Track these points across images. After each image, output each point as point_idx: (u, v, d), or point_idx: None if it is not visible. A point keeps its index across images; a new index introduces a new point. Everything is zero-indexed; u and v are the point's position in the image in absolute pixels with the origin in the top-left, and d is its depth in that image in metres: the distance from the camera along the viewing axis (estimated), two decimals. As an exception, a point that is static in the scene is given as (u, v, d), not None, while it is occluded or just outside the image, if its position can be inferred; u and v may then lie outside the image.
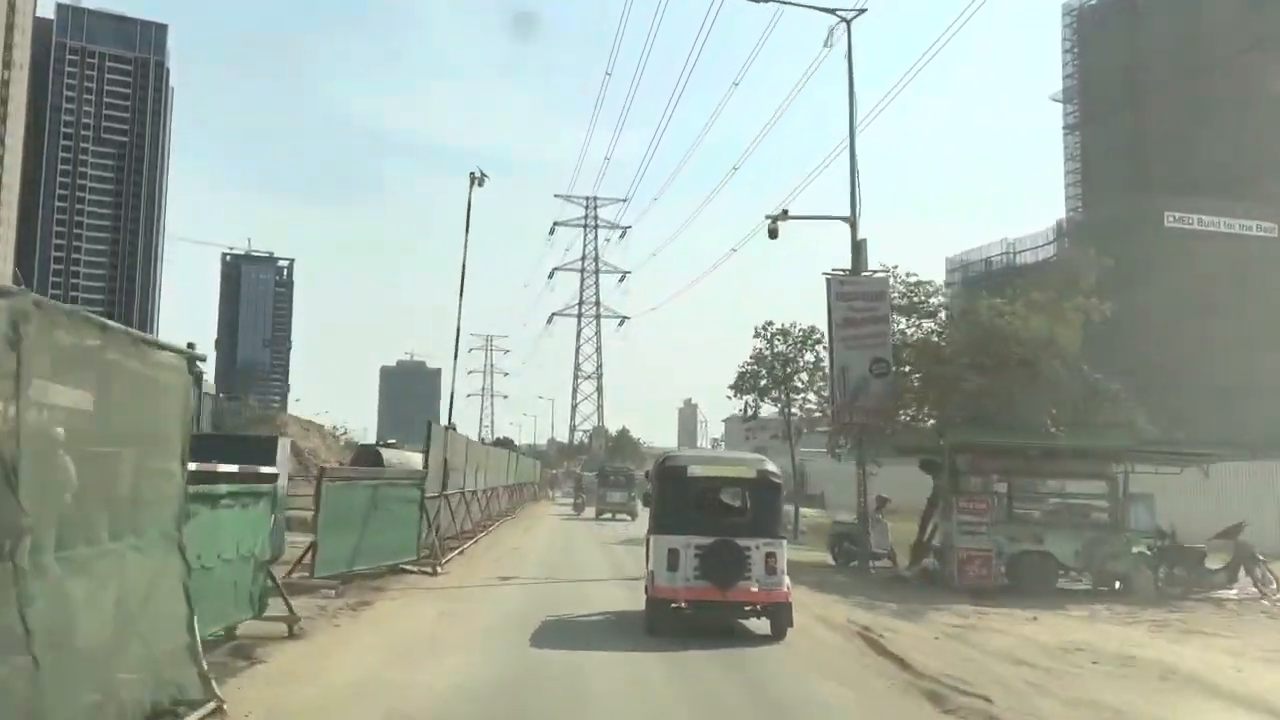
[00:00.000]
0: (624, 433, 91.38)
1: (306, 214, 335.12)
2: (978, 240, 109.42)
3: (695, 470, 11.32)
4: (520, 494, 41.46)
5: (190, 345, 6.68)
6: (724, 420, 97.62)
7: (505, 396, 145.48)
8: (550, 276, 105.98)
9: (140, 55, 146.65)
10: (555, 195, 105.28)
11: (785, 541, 11.05)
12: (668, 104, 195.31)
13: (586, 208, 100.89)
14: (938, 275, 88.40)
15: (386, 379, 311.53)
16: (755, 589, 10.39)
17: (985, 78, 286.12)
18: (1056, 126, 78.81)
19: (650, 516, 11.62)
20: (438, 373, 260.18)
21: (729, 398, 31.74)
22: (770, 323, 31.02)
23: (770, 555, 10.50)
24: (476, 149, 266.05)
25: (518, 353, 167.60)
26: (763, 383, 31.45)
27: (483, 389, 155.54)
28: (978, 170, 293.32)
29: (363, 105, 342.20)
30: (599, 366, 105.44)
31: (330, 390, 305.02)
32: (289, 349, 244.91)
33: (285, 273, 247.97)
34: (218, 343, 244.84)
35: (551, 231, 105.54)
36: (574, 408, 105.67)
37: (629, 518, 34.56)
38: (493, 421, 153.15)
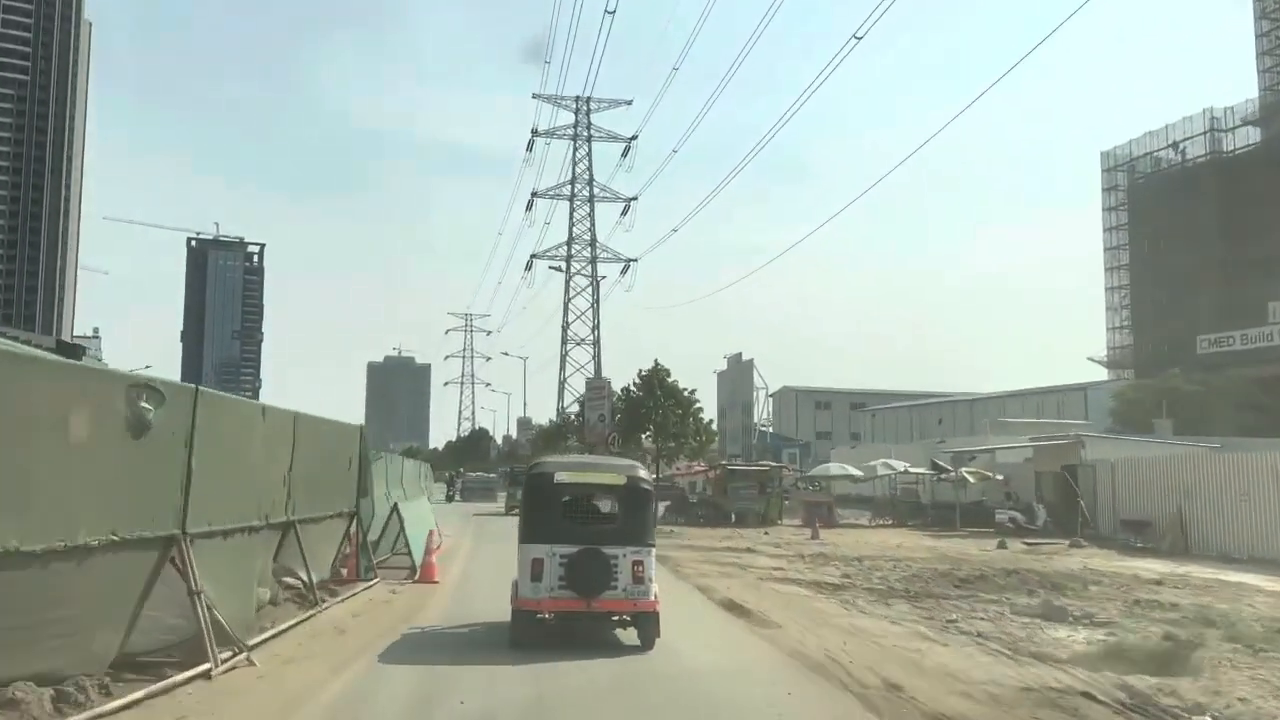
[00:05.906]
0: (657, 371, 47.64)
1: (294, 208, 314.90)
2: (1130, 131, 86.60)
3: (562, 477, 10.61)
4: (328, 556, 13.72)
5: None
6: (770, 396, 73.72)
7: (488, 384, 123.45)
8: (529, 208, 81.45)
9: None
10: (534, 95, 78.82)
11: (654, 549, 10.42)
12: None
13: (576, 112, 74.84)
14: (1090, 175, 65.62)
15: (374, 375, 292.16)
16: (622, 598, 10.02)
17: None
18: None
19: (518, 524, 10.75)
20: (426, 368, 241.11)
21: None
22: None
23: (638, 564, 10.03)
24: (466, 144, 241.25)
25: (494, 320, 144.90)
26: None
27: (462, 376, 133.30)
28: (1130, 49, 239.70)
29: (353, 98, 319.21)
30: (596, 326, 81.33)
31: (317, 386, 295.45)
32: (261, 340, 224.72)
33: (256, 259, 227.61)
34: (184, 334, 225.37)
35: (529, 146, 79.54)
36: (562, 384, 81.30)
37: None
38: (474, 412, 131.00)
